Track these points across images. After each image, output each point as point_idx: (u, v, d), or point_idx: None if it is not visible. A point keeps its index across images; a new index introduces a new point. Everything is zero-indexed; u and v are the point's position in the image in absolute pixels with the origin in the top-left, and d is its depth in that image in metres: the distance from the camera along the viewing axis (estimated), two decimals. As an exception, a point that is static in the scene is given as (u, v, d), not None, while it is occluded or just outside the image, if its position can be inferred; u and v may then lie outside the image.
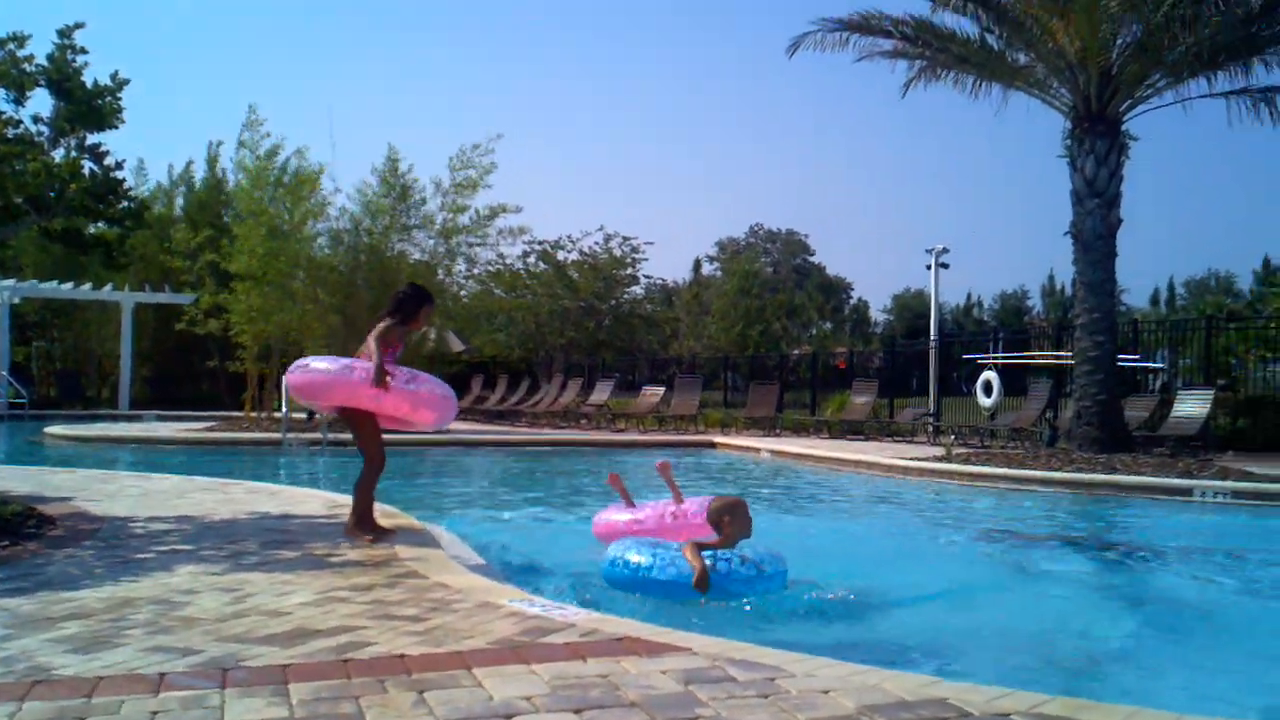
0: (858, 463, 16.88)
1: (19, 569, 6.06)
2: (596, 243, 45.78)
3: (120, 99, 9.38)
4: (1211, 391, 18.18)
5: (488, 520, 10.67)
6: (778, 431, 25.23)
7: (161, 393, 36.55)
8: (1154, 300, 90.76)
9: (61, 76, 9.03)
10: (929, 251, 28.01)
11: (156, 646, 4.31)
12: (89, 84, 9.16)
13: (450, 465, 17.76)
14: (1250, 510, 11.92)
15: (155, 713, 3.44)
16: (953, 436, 22.15)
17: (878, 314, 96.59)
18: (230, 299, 23.69)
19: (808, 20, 17.98)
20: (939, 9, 17.40)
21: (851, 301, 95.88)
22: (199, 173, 39.11)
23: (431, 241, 25.52)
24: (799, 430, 25.51)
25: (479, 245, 26.38)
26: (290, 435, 20.28)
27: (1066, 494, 13.31)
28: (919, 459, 16.31)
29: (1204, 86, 16.64)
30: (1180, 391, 18.94)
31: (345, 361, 7.34)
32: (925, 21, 17.48)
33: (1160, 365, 23.22)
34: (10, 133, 8.78)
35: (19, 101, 9.07)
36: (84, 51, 9.21)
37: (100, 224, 10.28)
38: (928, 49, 17.79)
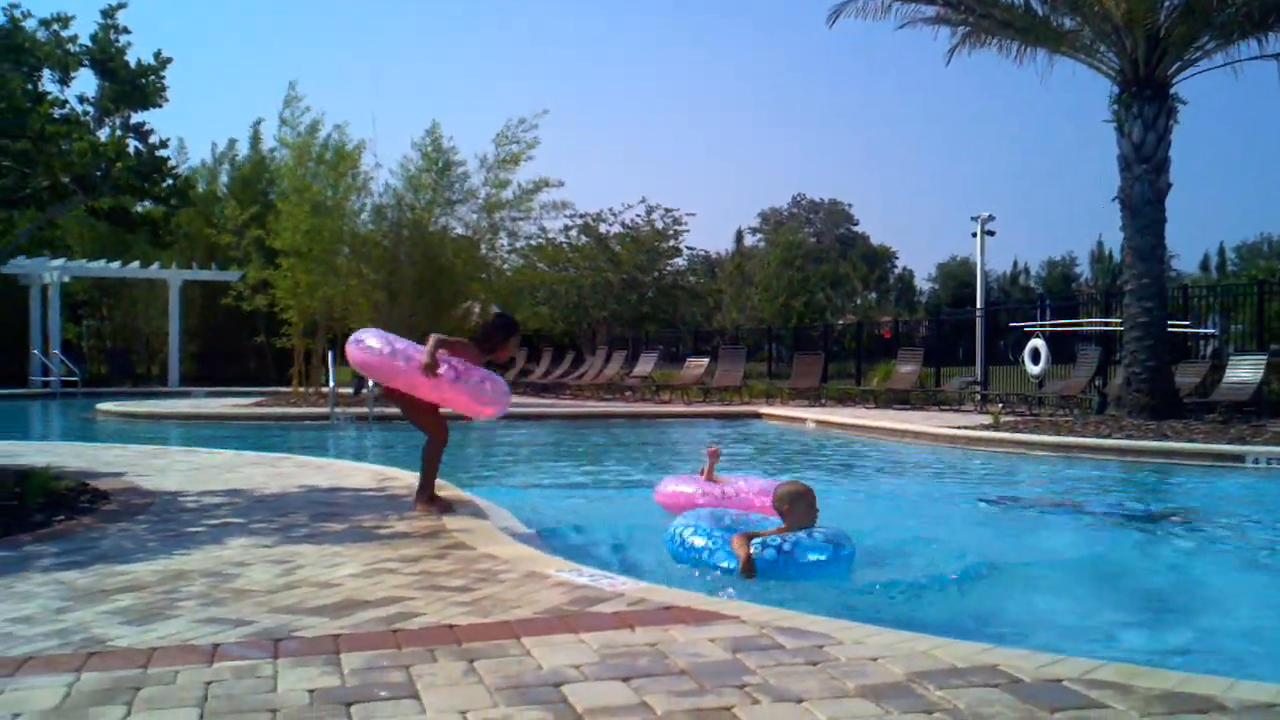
0: (904, 432, 16.79)
1: (74, 543, 6.14)
2: (638, 215, 45.76)
3: (164, 77, 9.42)
4: (1264, 357, 17.89)
5: (535, 491, 10.71)
6: (823, 402, 25.13)
7: (210, 369, 36.99)
8: (1204, 265, 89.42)
9: (105, 56, 9.08)
10: (974, 219, 27.74)
11: (209, 618, 4.36)
12: (132, 64, 9.21)
13: (497, 437, 17.84)
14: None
15: (209, 682, 3.47)
16: (1000, 405, 21.97)
17: (923, 283, 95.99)
18: (276, 275, 23.87)
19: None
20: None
21: (896, 271, 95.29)
22: (242, 150, 39.47)
23: (474, 216, 25.58)
24: (844, 400, 25.40)
25: (522, 219, 26.42)
26: (338, 410, 20.44)
27: (1117, 461, 13.17)
28: (967, 427, 16.20)
29: (1254, 48, 16.34)
30: (1232, 357, 18.67)
31: (399, 346, 7.26)
32: (968, -14, 17.26)
33: (1211, 331, 22.90)
34: (57, 113, 8.84)
35: (64, 82, 9.14)
36: (126, 31, 9.25)
37: (146, 202, 10.36)
38: (970, 15, 17.57)
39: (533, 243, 39.74)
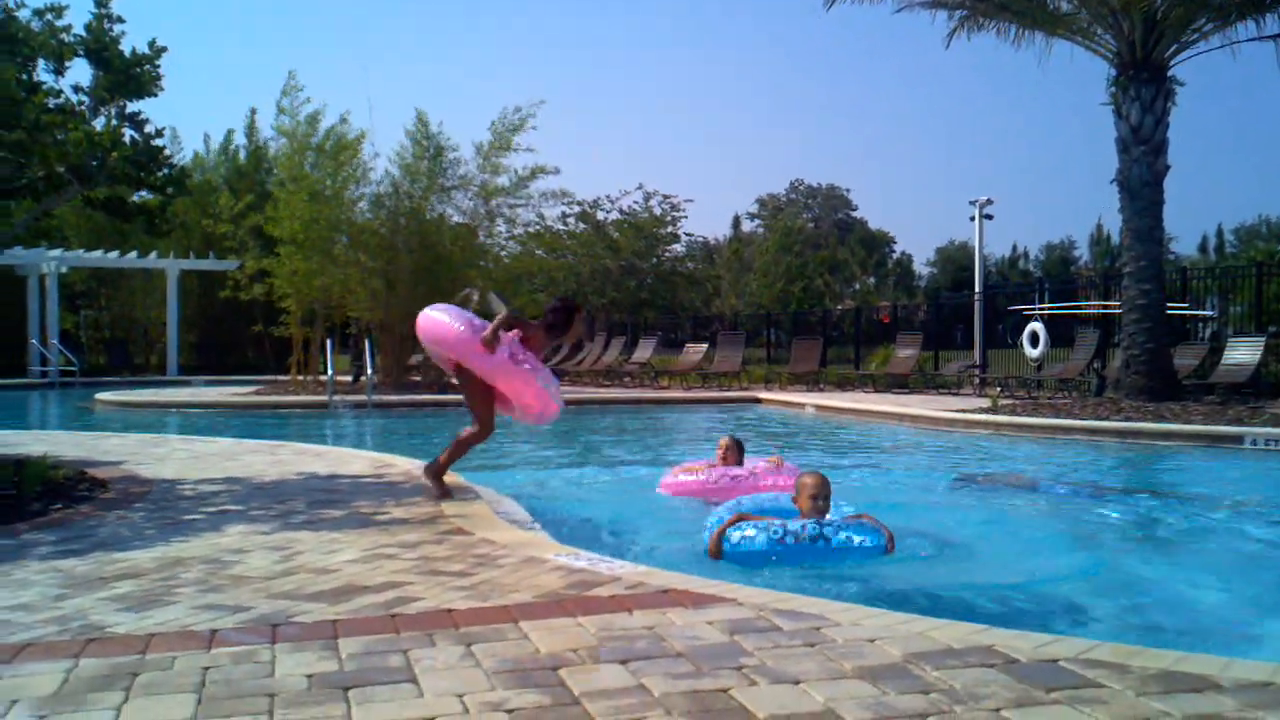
0: (903, 415, 16.80)
1: (72, 531, 6.15)
2: (636, 202, 45.73)
3: (158, 66, 9.39)
4: (1262, 339, 17.91)
5: (533, 477, 10.72)
6: (822, 386, 25.14)
7: (208, 359, 37.00)
8: (1203, 248, 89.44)
9: (99, 46, 9.05)
10: (973, 203, 27.69)
11: (207, 604, 4.36)
12: (126, 53, 9.19)
13: (495, 423, 17.81)
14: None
15: (207, 668, 3.48)
16: (999, 388, 21.98)
17: (921, 267, 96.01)
18: (274, 264, 23.85)
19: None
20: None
21: (895, 255, 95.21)
22: (238, 140, 39.44)
23: (471, 203, 25.54)
24: (843, 385, 25.41)
25: (520, 206, 26.36)
26: (336, 398, 20.44)
27: (1115, 443, 13.19)
28: (965, 411, 16.21)
29: (1252, 29, 16.30)
30: (1230, 339, 18.68)
31: (477, 323, 7.18)
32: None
33: (1210, 313, 22.91)
34: (51, 103, 8.81)
35: (58, 71, 9.10)
36: (120, 20, 9.22)
37: (142, 192, 10.33)
38: (968, -2, 17.52)
39: (531, 230, 39.71)
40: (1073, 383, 19.79)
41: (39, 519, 6.56)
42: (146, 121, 9.46)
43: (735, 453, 8.63)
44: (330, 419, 18.82)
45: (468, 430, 7.50)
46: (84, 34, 9.05)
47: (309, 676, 3.37)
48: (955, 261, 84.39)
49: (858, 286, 71.73)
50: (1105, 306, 22.43)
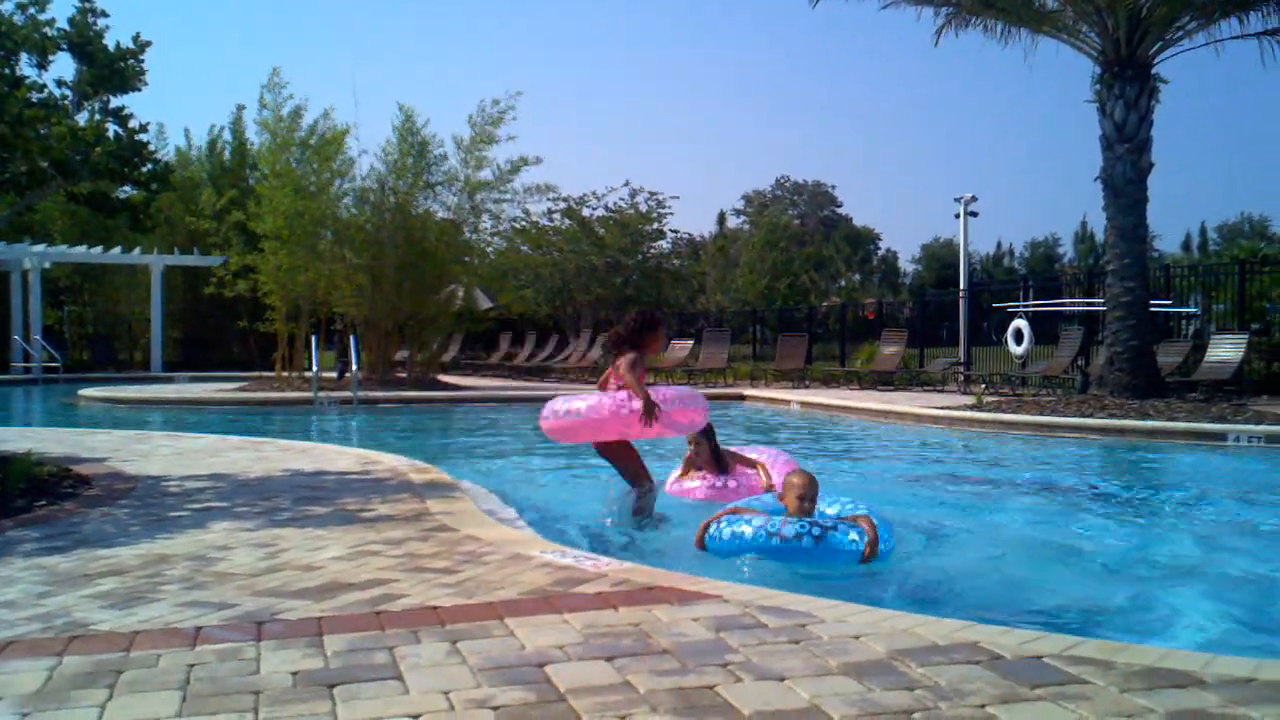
0: (888, 413, 16.83)
1: (56, 528, 6.12)
2: (622, 198, 45.59)
3: (142, 61, 9.36)
4: (1245, 336, 17.99)
5: (519, 474, 10.71)
6: (807, 383, 25.18)
7: (193, 355, 36.88)
8: (1186, 245, 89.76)
9: (83, 40, 9.02)
10: (958, 200, 27.73)
11: (192, 601, 4.35)
12: (110, 47, 9.15)
13: (481, 421, 17.83)
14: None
15: (192, 665, 3.47)
16: (984, 385, 22.04)
17: (907, 264, 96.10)
18: (258, 260, 23.78)
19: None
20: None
21: (880, 252, 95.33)
22: (224, 136, 39.28)
23: (455, 198, 25.48)
24: (828, 382, 25.45)
25: (505, 201, 26.31)
26: (322, 394, 20.40)
27: (1099, 440, 13.24)
28: (950, 408, 16.25)
29: (1236, 27, 16.33)
30: (1214, 336, 18.76)
31: (598, 400, 7.08)
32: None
33: (1193, 310, 22.99)
34: (34, 97, 8.78)
35: (42, 66, 9.07)
36: (104, 15, 9.19)
37: (127, 187, 10.29)
38: (953, -6, 17.53)
39: (516, 225, 39.64)
40: (1057, 380, 19.86)
41: (23, 516, 6.54)
42: (130, 116, 9.43)
43: (707, 440, 8.39)
44: (316, 415, 18.78)
45: (633, 497, 7.33)
46: (67, 28, 9.01)
47: (294, 674, 3.37)
48: (940, 259, 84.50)
49: (843, 283, 71.75)
50: (1089, 304, 22.50)
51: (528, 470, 11.26)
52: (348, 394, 20.34)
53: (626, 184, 46.02)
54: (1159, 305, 20.12)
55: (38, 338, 31.45)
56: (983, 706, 3.02)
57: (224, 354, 37.18)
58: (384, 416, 18.65)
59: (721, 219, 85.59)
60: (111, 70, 9.16)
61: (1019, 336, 22.50)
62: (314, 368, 21.07)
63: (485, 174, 25.08)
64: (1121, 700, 3.06)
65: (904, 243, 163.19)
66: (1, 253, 30.46)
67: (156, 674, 3.38)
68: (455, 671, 3.36)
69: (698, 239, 67.88)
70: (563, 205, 44.21)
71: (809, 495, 6.30)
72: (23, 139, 8.33)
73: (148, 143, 9.71)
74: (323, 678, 3.32)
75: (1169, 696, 3.09)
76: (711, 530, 6.14)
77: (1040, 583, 5.96)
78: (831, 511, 6.50)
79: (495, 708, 3.03)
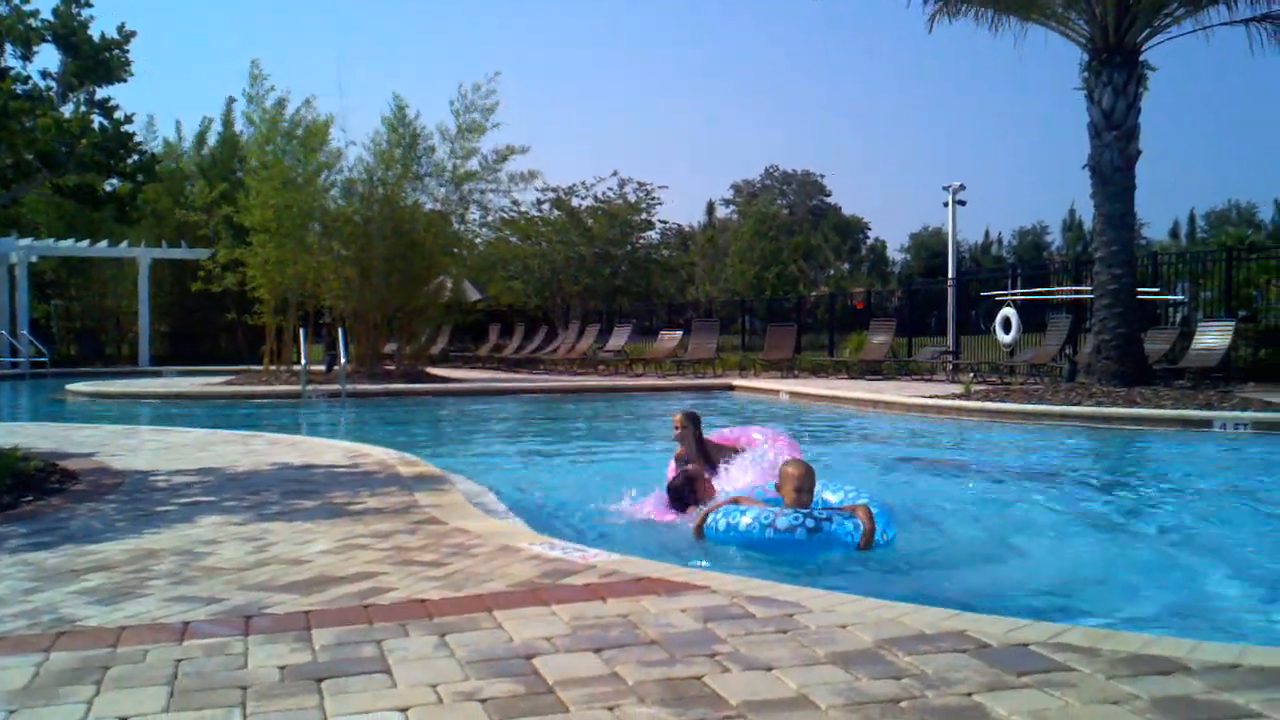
0: (877, 402, 16.86)
1: (43, 523, 6.11)
2: (610, 189, 45.59)
3: (128, 51, 9.30)
4: (1232, 323, 18.07)
5: (508, 466, 10.71)
6: (796, 373, 25.21)
7: (181, 349, 36.79)
8: (1174, 233, 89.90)
9: (68, 31, 8.96)
10: (946, 189, 27.80)
11: (179, 596, 4.34)
12: (95, 38, 9.10)
13: (470, 413, 17.81)
14: (1272, 441, 11.87)
15: (179, 660, 3.46)
16: (972, 374, 22.09)
17: (895, 253, 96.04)
18: (246, 253, 23.70)
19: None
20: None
21: (869, 241, 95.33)
22: (215, 128, 39.16)
23: (443, 190, 25.41)
24: (817, 371, 25.49)
25: (492, 190, 26.23)
26: (310, 387, 20.36)
27: (1086, 428, 13.27)
28: (938, 397, 16.28)
29: (1224, 14, 16.36)
30: (1201, 324, 18.83)
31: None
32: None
33: (1180, 298, 23.07)
34: (19, 89, 8.73)
35: (26, 57, 9.01)
36: (89, 5, 9.13)
37: (113, 179, 10.24)
38: (943, -19, 17.53)
39: (504, 215, 39.59)
40: (1045, 368, 19.90)
41: (9, 511, 6.51)
42: (116, 108, 9.37)
43: (692, 428, 8.37)
44: (304, 409, 18.74)
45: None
46: (52, 19, 8.95)
47: (282, 668, 3.36)
48: (929, 247, 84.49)
49: (832, 273, 71.91)
50: (1077, 292, 22.54)
51: (517, 462, 11.26)
52: (336, 387, 20.30)
53: (615, 174, 46.14)
54: (1146, 293, 20.18)
55: (24, 332, 31.32)
56: (969, 694, 3.03)
57: (212, 347, 37.09)
58: (372, 409, 18.63)
59: (710, 209, 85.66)
60: (96, 61, 9.10)
61: (1007, 325, 22.56)
62: (302, 361, 21.02)
63: (473, 164, 25.01)
64: (1107, 687, 3.07)
65: (893, 232, 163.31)
66: (-13, 246, 30.34)
67: (144, 669, 3.38)
68: (443, 664, 3.36)
69: (686, 229, 67.93)
70: (551, 196, 44.22)
71: (805, 486, 6.28)
72: (7, 131, 8.29)
73: (133, 134, 9.64)
74: (310, 671, 3.32)
75: (1154, 683, 3.10)
76: (710, 520, 6.16)
77: (1027, 570, 5.98)
78: (834, 499, 6.52)
79: (483, 700, 3.04)
